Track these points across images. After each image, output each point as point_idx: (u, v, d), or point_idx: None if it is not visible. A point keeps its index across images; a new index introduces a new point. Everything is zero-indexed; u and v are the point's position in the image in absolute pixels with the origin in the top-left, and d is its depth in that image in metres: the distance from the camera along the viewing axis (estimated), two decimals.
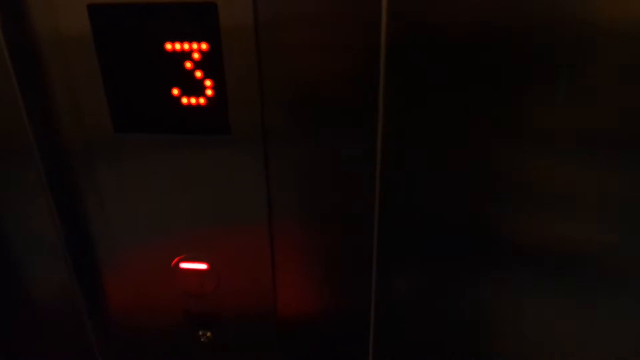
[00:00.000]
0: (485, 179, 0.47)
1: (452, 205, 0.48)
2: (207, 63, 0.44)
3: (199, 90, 0.45)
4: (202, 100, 0.46)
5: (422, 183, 0.48)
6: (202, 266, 0.54)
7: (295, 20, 0.42)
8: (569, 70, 0.41)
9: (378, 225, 0.50)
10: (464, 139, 0.45)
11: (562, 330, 0.53)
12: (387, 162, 0.46)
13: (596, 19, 0.39)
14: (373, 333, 0.55)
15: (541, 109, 0.43)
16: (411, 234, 0.50)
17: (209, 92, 0.45)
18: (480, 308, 0.54)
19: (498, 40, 0.41)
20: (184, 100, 0.46)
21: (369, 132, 0.45)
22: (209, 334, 0.58)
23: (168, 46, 0.44)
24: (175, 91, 0.45)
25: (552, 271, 0.50)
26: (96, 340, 0.60)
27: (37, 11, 0.44)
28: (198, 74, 0.44)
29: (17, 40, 0.45)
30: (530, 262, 0.50)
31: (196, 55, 0.44)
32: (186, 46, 0.43)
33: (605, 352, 0.54)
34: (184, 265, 0.54)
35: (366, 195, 0.48)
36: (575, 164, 0.45)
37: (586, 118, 0.43)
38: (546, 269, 0.50)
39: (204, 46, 0.43)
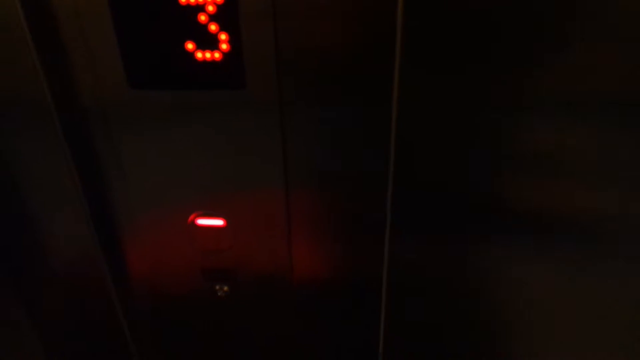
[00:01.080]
0: (506, 146, 0.46)
1: (468, 171, 0.48)
2: (221, 15, 0.43)
3: (213, 44, 0.44)
4: (217, 55, 0.45)
5: (438, 148, 0.47)
6: (219, 222, 0.55)
7: None
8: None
9: (392, 187, 0.49)
10: (482, 103, 0.44)
11: (578, 304, 0.54)
12: (402, 126, 0.46)
13: None
14: (385, 290, 0.56)
15: (560, 74, 0.42)
16: (426, 200, 0.50)
17: (224, 46, 0.45)
18: (493, 278, 0.54)
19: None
20: (199, 55, 0.45)
21: (385, 95, 0.45)
22: (226, 288, 0.59)
23: None
24: (189, 45, 0.45)
25: (574, 244, 0.50)
26: (117, 297, 0.61)
27: None
28: (212, 27, 0.44)
29: (33, 5, 0.44)
30: (551, 234, 0.50)
31: (210, 8, 0.43)
32: None
33: (619, 324, 0.54)
34: (201, 221, 0.55)
35: (382, 157, 0.48)
36: (596, 132, 0.45)
37: (598, 82, 0.42)
38: (569, 242, 0.50)
39: None
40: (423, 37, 0.42)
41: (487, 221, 0.51)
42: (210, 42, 0.44)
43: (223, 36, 0.44)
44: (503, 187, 0.48)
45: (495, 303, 0.56)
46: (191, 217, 0.54)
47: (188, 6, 0.43)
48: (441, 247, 0.53)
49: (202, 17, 0.43)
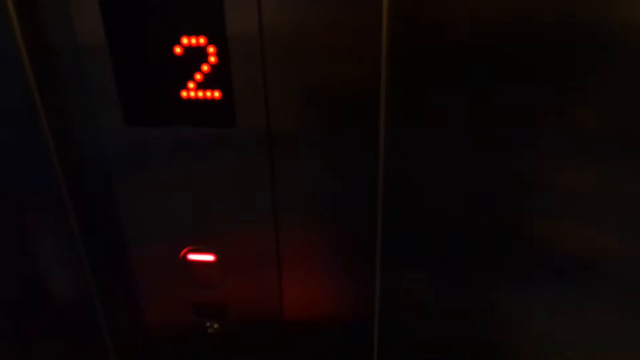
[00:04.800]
0: (491, 178, 0.46)
1: (456, 204, 0.48)
2: (213, 56, 0.45)
3: (205, 84, 0.46)
4: (208, 94, 0.46)
5: (426, 183, 0.47)
6: (210, 258, 0.55)
7: (299, 25, 0.43)
8: (576, 70, 0.41)
9: (382, 224, 0.50)
10: (468, 138, 0.45)
11: (572, 333, 0.53)
12: (390, 162, 0.47)
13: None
14: (378, 328, 0.55)
15: (548, 108, 0.42)
16: (416, 234, 0.50)
17: (215, 86, 0.46)
18: (487, 309, 0.53)
19: (500, 39, 0.41)
20: (192, 94, 0.47)
21: (373, 132, 0.46)
22: (216, 325, 0.59)
23: (176, 41, 0.44)
24: (182, 85, 0.46)
25: (557, 272, 0.49)
26: (108, 331, 0.61)
27: (51, 11, 0.46)
28: (205, 67, 0.45)
29: (32, 40, 0.46)
30: (536, 263, 0.49)
31: (204, 52, 0.45)
32: (193, 40, 0.44)
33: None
34: (192, 256, 0.55)
35: (370, 194, 0.48)
36: (583, 163, 0.45)
37: (598, 118, 0.42)
38: (552, 269, 0.49)
39: (210, 40, 0.44)
40: (408, 75, 0.43)
41: (483, 256, 0.50)
42: (202, 83, 0.46)
43: (215, 77, 0.46)
44: (498, 222, 0.48)
45: (494, 342, 0.55)
46: (182, 252, 0.55)
47: (184, 50, 0.45)
48: (435, 283, 0.53)
49: (196, 60, 0.45)
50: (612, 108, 0.42)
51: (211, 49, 0.44)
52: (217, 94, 0.46)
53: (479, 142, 0.45)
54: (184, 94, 0.47)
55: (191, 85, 0.46)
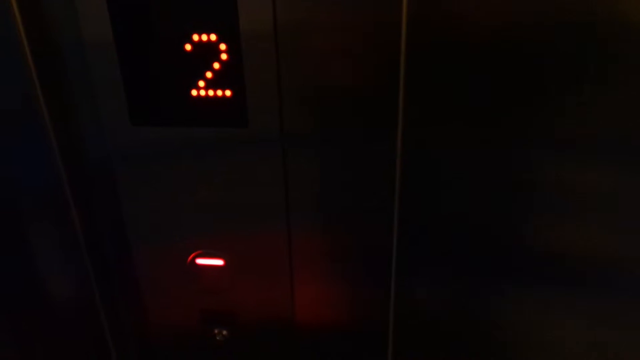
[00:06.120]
0: (508, 182, 0.45)
1: (474, 207, 0.47)
2: (225, 53, 0.43)
3: (217, 83, 0.44)
4: (219, 93, 0.45)
5: (442, 184, 0.46)
6: (219, 262, 0.53)
7: (315, 22, 0.42)
8: (593, 72, 0.40)
9: (398, 226, 0.48)
10: (487, 140, 0.44)
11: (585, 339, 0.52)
12: (407, 162, 0.46)
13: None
14: (392, 335, 0.54)
15: (567, 112, 0.42)
16: (431, 236, 0.49)
17: (226, 84, 0.44)
18: (502, 314, 0.52)
19: (518, 42, 0.40)
20: (202, 92, 0.45)
21: (389, 132, 0.44)
22: (225, 332, 0.57)
23: (186, 38, 0.43)
24: (193, 84, 0.45)
25: (577, 279, 0.49)
26: (112, 338, 0.60)
27: (56, 6, 0.44)
28: (216, 65, 0.44)
29: (37, 37, 0.45)
30: (554, 269, 0.48)
31: (215, 48, 0.43)
32: (204, 37, 0.43)
33: None
34: (200, 261, 0.53)
35: (386, 195, 0.47)
36: (602, 169, 0.44)
37: (613, 123, 0.42)
38: (571, 276, 0.49)
39: (222, 37, 0.43)
40: (427, 74, 0.42)
41: (499, 263, 0.49)
42: (213, 81, 0.44)
43: (226, 74, 0.44)
44: (513, 228, 0.48)
45: (510, 348, 0.54)
46: (190, 257, 0.53)
47: (193, 46, 0.43)
48: (450, 290, 0.52)
49: (207, 57, 0.43)
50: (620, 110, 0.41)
51: (223, 46, 0.43)
52: (228, 92, 0.45)
53: (500, 144, 0.44)
54: (193, 92, 0.45)
55: (201, 83, 0.45)
